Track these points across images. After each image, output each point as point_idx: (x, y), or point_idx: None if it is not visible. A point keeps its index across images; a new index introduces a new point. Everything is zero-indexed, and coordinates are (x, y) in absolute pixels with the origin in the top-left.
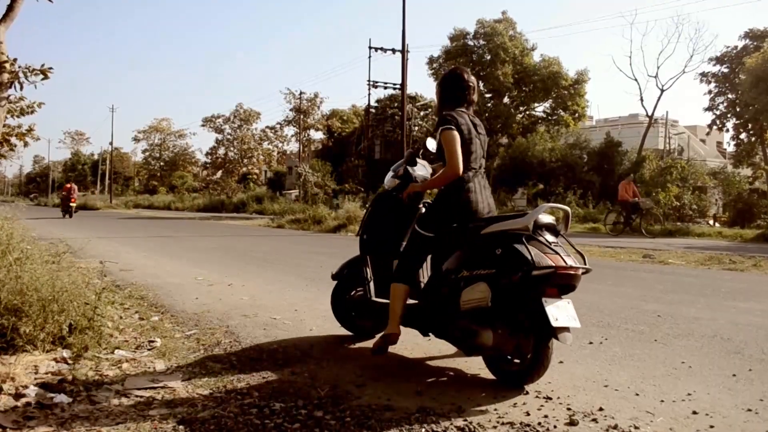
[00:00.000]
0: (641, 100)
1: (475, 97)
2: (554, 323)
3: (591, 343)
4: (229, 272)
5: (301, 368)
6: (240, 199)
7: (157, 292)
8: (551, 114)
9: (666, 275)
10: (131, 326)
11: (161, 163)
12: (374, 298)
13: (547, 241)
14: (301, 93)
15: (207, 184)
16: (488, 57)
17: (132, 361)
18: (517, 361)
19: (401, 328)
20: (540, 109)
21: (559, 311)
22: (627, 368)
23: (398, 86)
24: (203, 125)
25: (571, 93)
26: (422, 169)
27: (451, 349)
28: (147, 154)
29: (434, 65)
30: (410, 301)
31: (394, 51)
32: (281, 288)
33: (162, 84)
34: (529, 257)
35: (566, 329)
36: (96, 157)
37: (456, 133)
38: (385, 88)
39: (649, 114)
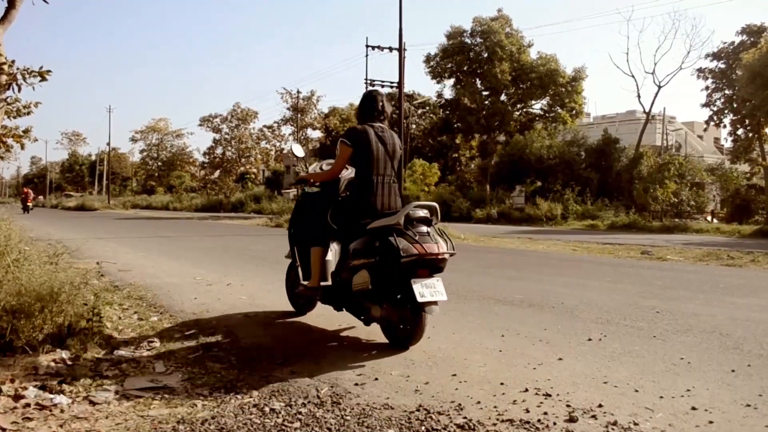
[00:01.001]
0: (638, 96)
1: (387, 112)
2: (420, 299)
3: (590, 339)
4: (227, 272)
5: (300, 367)
6: (238, 198)
7: (155, 292)
8: (548, 111)
9: (664, 271)
10: (130, 327)
11: (159, 164)
12: (302, 282)
13: (415, 232)
14: (298, 92)
15: (205, 183)
16: (485, 55)
17: (131, 362)
18: (403, 327)
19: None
20: (537, 106)
21: (426, 289)
22: (626, 364)
23: (395, 84)
24: (201, 125)
25: (568, 90)
26: (326, 166)
27: (450, 347)
28: (144, 154)
29: (431, 63)
30: (326, 284)
31: (391, 49)
32: (280, 287)
33: (159, 84)
34: (398, 247)
35: (433, 303)
36: (93, 157)
37: (346, 147)
38: (383, 86)
39: (647, 110)
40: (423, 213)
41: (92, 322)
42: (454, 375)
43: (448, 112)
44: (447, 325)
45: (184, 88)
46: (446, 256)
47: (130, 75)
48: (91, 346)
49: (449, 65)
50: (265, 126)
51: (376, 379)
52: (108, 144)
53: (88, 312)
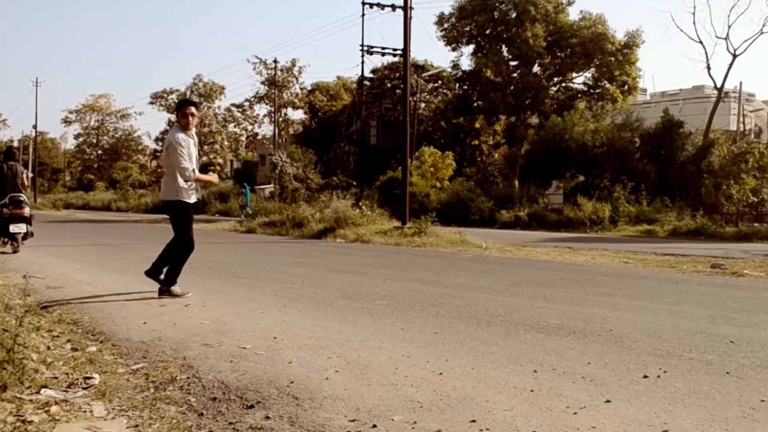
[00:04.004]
0: (708, 68)
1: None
2: (12, 231)
3: (646, 376)
4: (185, 289)
5: (277, 411)
6: (199, 196)
7: (94, 315)
8: (594, 86)
9: (741, 290)
10: (62, 359)
11: (99, 152)
12: None
13: (12, 204)
14: (275, 61)
15: (157, 177)
16: (514, 14)
17: (63, 404)
18: (15, 247)
19: None
20: (579, 80)
21: (17, 227)
22: (692, 408)
23: (399, 52)
24: (152, 103)
25: (619, 60)
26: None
27: (468, 385)
28: (81, 140)
29: (445, 25)
30: None
31: (394, 8)
32: (252, 309)
33: (100, 50)
34: (1, 212)
35: (18, 233)
36: (15, 144)
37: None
38: (383, 54)
39: (719, 86)
40: (21, 198)
41: (14, 354)
42: (473, 421)
43: (466, 87)
44: (463, 357)
45: (132, 55)
46: (26, 214)
47: (64, 37)
48: (12, 383)
49: (468, 28)
50: (233, 105)
51: (374, 426)
52: (34, 127)
53: (9, 340)
